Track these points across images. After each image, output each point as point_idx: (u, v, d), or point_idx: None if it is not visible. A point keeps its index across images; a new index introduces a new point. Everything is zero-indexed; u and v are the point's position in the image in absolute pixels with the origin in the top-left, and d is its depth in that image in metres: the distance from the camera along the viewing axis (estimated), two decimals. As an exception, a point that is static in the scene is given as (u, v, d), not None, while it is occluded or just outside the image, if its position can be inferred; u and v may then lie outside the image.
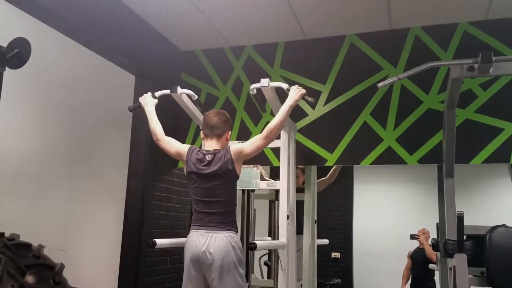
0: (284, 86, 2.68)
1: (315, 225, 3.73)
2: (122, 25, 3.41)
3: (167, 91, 2.94)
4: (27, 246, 3.70)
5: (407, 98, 3.37)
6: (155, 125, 2.69)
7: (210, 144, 2.54)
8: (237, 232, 2.44)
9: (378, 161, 3.33)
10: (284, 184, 2.96)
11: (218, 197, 2.41)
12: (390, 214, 6.94)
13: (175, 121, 3.73)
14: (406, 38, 3.44)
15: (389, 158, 3.31)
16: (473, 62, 2.18)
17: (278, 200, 2.99)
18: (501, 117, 3.15)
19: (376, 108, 3.42)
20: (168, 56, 3.98)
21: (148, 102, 2.84)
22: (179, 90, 2.93)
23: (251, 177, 3.07)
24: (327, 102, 3.54)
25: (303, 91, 2.59)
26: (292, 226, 2.97)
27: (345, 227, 5.99)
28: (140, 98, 2.90)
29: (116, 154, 3.91)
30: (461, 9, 3.19)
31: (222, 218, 2.39)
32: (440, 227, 3.68)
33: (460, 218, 2.24)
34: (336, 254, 5.52)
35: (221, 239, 2.33)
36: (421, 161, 3.25)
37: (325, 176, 4.19)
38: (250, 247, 2.34)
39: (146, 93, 2.92)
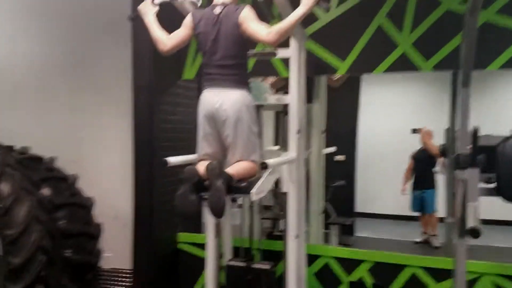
0: (296, -10, 2.45)
1: (323, 135, 3.73)
2: None
3: (168, -2, 2.71)
4: (39, 159, 3.75)
5: (426, -3, 3.11)
6: (158, 34, 2.50)
7: None
8: (249, 91, 2.45)
9: (392, 68, 3.19)
10: (294, 98, 2.87)
11: (229, 60, 2.37)
12: (396, 116, 6.93)
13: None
14: None
15: (403, 65, 3.16)
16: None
17: (286, 113, 2.92)
18: (524, 18, 2.93)
19: (393, 9, 3.16)
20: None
21: (148, 11, 2.62)
22: (181, -4, 2.70)
23: (260, 92, 2.98)
24: (340, 2, 3.28)
25: None
26: (302, 140, 2.96)
27: (350, 129, 5.99)
28: (139, 7, 2.68)
29: (117, 65, 3.77)
30: None
31: (235, 78, 2.38)
32: (450, 132, 3.68)
33: (475, 133, 2.20)
34: (340, 157, 5.62)
35: (235, 97, 2.35)
36: (437, 67, 3.11)
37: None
38: (262, 166, 2.34)
39: None
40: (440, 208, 5.56)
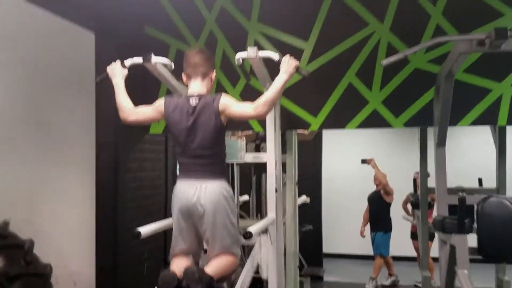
0: (275, 57, 2.41)
1: (296, 186, 3.69)
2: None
3: (139, 60, 2.59)
4: (-10, 224, 3.37)
5: (394, 56, 3.19)
6: (123, 101, 2.37)
7: (195, 86, 2.33)
8: (227, 181, 2.32)
9: (363, 124, 3.21)
10: (271, 156, 2.80)
11: (206, 150, 2.24)
12: (357, 161, 7.06)
13: (144, 89, 3.31)
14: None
15: (374, 121, 3.20)
16: (486, 37, 2.03)
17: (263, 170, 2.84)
18: (489, 77, 3.05)
19: (362, 68, 3.22)
20: (129, 6, 3.51)
21: (117, 73, 2.47)
22: (154, 59, 2.58)
23: (236, 150, 2.89)
24: (310, 61, 3.29)
25: (296, 63, 2.33)
26: (280, 198, 2.87)
27: (314, 173, 6.06)
28: (107, 68, 2.54)
29: (79, 121, 3.56)
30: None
31: (211, 168, 2.25)
32: (421, 183, 3.73)
33: (462, 200, 2.21)
34: (307, 199, 5.62)
35: (212, 189, 2.21)
36: (407, 124, 3.17)
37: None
38: (246, 236, 2.22)
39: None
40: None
